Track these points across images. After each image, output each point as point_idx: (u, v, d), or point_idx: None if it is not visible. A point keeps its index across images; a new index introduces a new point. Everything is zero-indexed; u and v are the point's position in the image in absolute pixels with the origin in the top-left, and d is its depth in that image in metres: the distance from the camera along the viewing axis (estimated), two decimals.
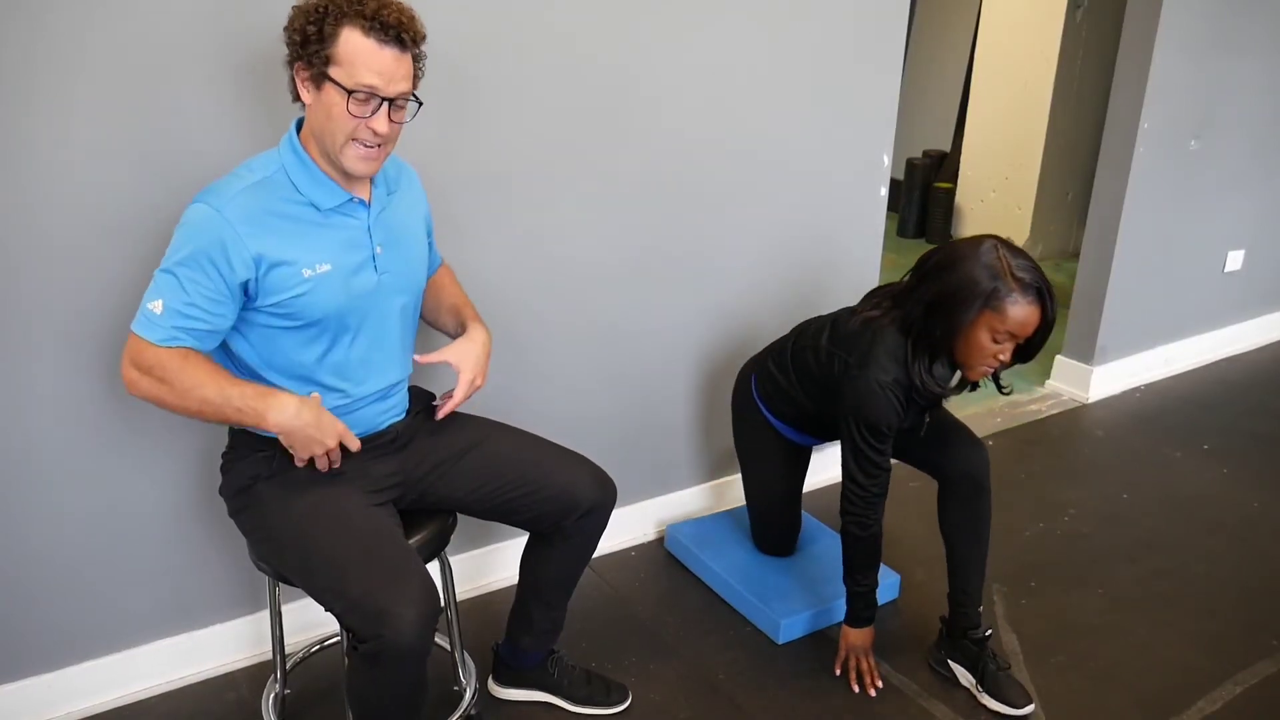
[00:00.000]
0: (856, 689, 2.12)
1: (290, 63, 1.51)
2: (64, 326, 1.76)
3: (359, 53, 1.45)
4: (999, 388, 2.04)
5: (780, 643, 2.26)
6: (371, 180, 1.62)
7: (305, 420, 1.52)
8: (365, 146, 1.51)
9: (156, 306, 1.48)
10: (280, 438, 1.54)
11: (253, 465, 1.61)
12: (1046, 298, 1.85)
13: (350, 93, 1.45)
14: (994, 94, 5.45)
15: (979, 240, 1.88)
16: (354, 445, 1.60)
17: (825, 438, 2.35)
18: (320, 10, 1.45)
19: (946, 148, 6.04)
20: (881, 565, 2.44)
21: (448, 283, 1.91)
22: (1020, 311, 1.83)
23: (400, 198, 1.69)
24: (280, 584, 1.72)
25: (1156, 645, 2.30)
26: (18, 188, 1.65)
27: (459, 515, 1.81)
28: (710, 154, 2.43)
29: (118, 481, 1.89)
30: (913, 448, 2.17)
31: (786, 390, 2.27)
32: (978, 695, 2.09)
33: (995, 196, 5.57)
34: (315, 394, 1.58)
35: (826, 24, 2.51)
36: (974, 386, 2.04)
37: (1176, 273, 3.80)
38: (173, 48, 1.71)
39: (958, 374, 2.02)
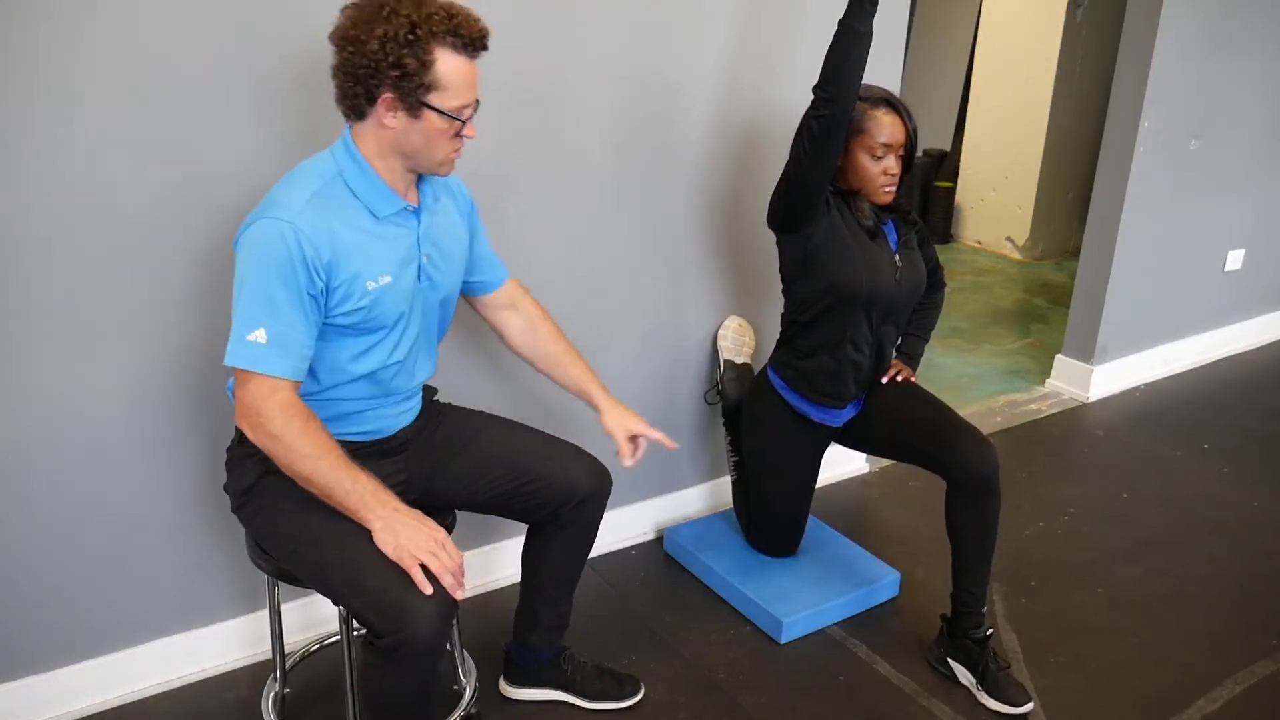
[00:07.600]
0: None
1: (370, 88, 1.45)
2: (65, 324, 1.75)
3: (457, 74, 1.47)
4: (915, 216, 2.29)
5: (782, 642, 2.26)
6: (419, 187, 1.63)
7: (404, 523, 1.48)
8: (456, 152, 1.56)
9: (259, 336, 1.43)
10: (381, 537, 1.48)
11: (261, 460, 1.57)
12: (897, 102, 2.06)
13: (459, 120, 1.50)
14: (994, 93, 5.45)
15: None
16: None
17: (834, 396, 2.23)
18: (410, 37, 1.41)
19: (947, 147, 6.04)
20: (881, 562, 2.48)
21: (571, 359, 1.89)
22: (881, 123, 2.04)
23: (446, 203, 1.70)
24: (279, 583, 1.71)
25: (1156, 645, 2.30)
26: (11, 183, 1.65)
27: (458, 513, 1.81)
28: (713, 154, 2.43)
29: (116, 480, 1.89)
30: (919, 445, 2.16)
31: (788, 318, 2.26)
32: (977, 694, 2.09)
33: (995, 195, 5.57)
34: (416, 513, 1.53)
35: (826, 26, 2.50)
36: (904, 218, 2.27)
37: (1177, 272, 3.80)
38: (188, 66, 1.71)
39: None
